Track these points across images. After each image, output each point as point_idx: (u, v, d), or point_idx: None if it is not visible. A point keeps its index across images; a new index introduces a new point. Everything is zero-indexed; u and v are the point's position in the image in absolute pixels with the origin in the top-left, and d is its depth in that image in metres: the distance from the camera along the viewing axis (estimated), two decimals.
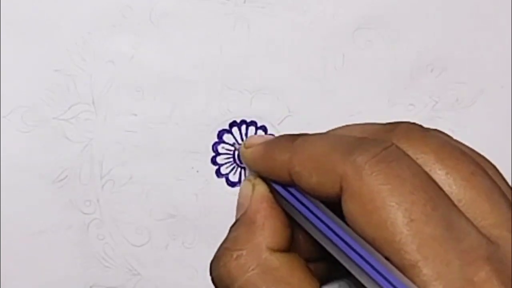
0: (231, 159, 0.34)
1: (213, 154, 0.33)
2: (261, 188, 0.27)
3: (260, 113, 0.33)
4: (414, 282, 0.20)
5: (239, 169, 0.34)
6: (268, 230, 0.26)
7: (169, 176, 0.33)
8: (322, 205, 0.24)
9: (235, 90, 0.33)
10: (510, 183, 0.26)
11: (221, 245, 0.27)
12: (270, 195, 0.27)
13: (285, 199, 0.26)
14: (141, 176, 0.33)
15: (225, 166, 0.34)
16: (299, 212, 0.25)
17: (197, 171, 0.33)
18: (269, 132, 0.34)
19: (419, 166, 0.22)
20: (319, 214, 0.24)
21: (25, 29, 0.32)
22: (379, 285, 0.21)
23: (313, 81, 0.34)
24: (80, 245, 0.33)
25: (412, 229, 0.20)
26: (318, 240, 0.24)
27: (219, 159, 0.33)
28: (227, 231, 0.33)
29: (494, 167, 0.25)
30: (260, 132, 0.34)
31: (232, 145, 0.34)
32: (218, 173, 0.33)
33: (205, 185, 0.33)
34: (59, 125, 0.32)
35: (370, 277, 0.21)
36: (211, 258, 0.33)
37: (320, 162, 0.23)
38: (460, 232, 0.21)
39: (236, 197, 0.33)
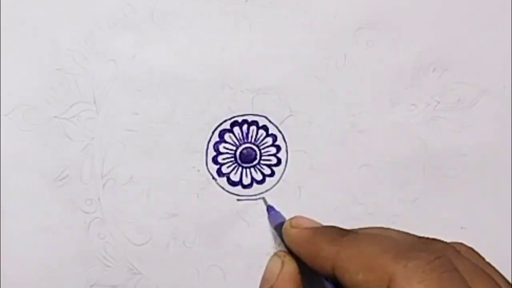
0: (232, 159, 0.34)
1: (215, 153, 0.33)
2: (291, 267, 0.28)
3: (262, 113, 0.33)
4: None
5: (240, 168, 0.34)
6: None
7: (170, 175, 0.33)
8: None
9: (237, 90, 0.33)
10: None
11: None
12: (298, 276, 0.28)
13: (311, 284, 0.26)
14: (142, 175, 0.33)
15: (226, 165, 0.34)
16: None
17: (198, 170, 0.33)
18: (270, 132, 0.34)
19: (468, 284, 0.22)
20: None
21: (26, 28, 0.32)
22: None
23: (315, 81, 0.34)
24: (81, 244, 0.33)
25: None
26: None
27: (220, 159, 0.33)
28: (227, 230, 0.33)
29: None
30: (261, 131, 0.34)
31: (234, 145, 0.34)
32: (219, 172, 0.33)
33: (206, 185, 0.33)
34: (60, 124, 0.32)
35: None
36: (211, 257, 0.33)
37: (370, 261, 0.23)
38: None
39: (237, 197, 0.33)
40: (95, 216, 0.33)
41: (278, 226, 0.31)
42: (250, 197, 0.34)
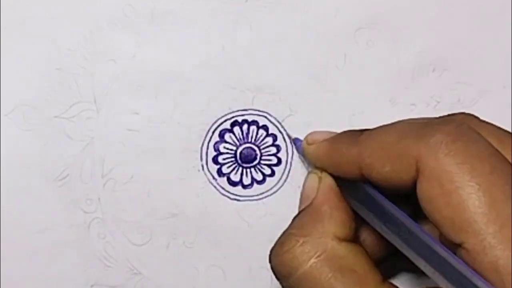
0: (233, 159, 0.34)
1: (215, 153, 0.33)
2: (329, 180, 0.27)
3: (262, 113, 0.33)
4: (492, 264, 0.20)
5: (240, 168, 0.34)
6: (335, 219, 0.26)
7: (170, 175, 0.33)
8: (389, 202, 0.24)
9: (237, 89, 0.33)
10: None
11: (286, 231, 0.27)
12: (337, 188, 0.27)
13: (351, 195, 0.26)
14: (142, 175, 0.33)
15: (227, 165, 0.34)
16: (366, 208, 0.25)
17: (198, 170, 0.33)
18: (270, 131, 0.34)
19: (493, 146, 0.22)
20: (388, 209, 0.24)
21: (26, 28, 0.32)
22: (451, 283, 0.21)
23: (315, 81, 0.34)
24: (81, 244, 0.33)
25: (493, 210, 0.20)
26: (385, 235, 0.24)
27: (220, 159, 0.33)
28: (228, 230, 0.33)
29: None
30: (261, 131, 0.34)
31: (234, 144, 0.34)
32: (219, 172, 0.33)
33: (206, 185, 0.33)
34: (60, 124, 0.32)
35: (445, 277, 0.21)
36: (212, 258, 0.33)
37: (393, 149, 0.23)
38: None
39: (238, 197, 0.33)
40: (95, 216, 0.33)
41: None
42: (250, 198, 0.34)
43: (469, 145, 0.21)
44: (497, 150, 0.22)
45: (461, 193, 0.20)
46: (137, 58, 0.32)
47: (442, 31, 0.34)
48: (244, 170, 0.34)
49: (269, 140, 0.34)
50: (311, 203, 0.27)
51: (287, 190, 0.34)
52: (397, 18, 0.34)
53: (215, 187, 0.33)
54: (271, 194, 0.34)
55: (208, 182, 0.33)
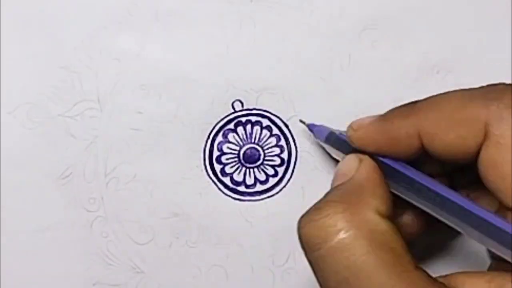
0: (236, 159, 0.34)
1: (218, 153, 0.33)
2: (371, 162, 0.25)
3: (266, 113, 0.33)
4: None
5: (243, 168, 0.34)
6: (377, 195, 0.24)
7: (173, 174, 0.33)
8: (437, 181, 0.23)
9: (241, 89, 0.33)
10: None
11: (321, 200, 0.24)
12: (380, 171, 0.25)
13: (390, 178, 0.25)
14: (146, 174, 0.33)
15: (230, 165, 0.34)
16: (405, 188, 0.24)
17: (202, 170, 0.33)
18: (274, 132, 0.34)
19: None
20: (437, 188, 0.23)
21: (31, 26, 0.32)
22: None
23: (319, 81, 0.34)
24: (83, 242, 0.33)
25: None
26: (435, 214, 0.23)
27: (224, 158, 0.33)
28: (230, 230, 0.33)
29: None
30: (265, 132, 0.33)
31: (238, 143, 0.34)
32: (222, 172, 0.33)
33: (209, 184, 0.33)
34: (64, 122, 0.32)
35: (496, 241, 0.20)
36: (214, 258, 0.33)
37: (458, 115, 0.22)
38: None
39: (241, 197, 0.33)
40: (98, 215, 0.33)
41: (330, 137, 0.29)
42: (253, 198, 0.34)
43: None
44: None
45: None
46: (141, 57, 0.32)
47: (447, 33, 0.34)
48: (247, 170, 0.34)
49: (273, 140, 0.34)
50: (351, 179, 0.25)
51: (290, 191, 0.34)
52: (402, 19, 0.34)
53: (218, 187, 0.33)
54: (274, 195, 0.34)
55: (211, 182, 0.33)
